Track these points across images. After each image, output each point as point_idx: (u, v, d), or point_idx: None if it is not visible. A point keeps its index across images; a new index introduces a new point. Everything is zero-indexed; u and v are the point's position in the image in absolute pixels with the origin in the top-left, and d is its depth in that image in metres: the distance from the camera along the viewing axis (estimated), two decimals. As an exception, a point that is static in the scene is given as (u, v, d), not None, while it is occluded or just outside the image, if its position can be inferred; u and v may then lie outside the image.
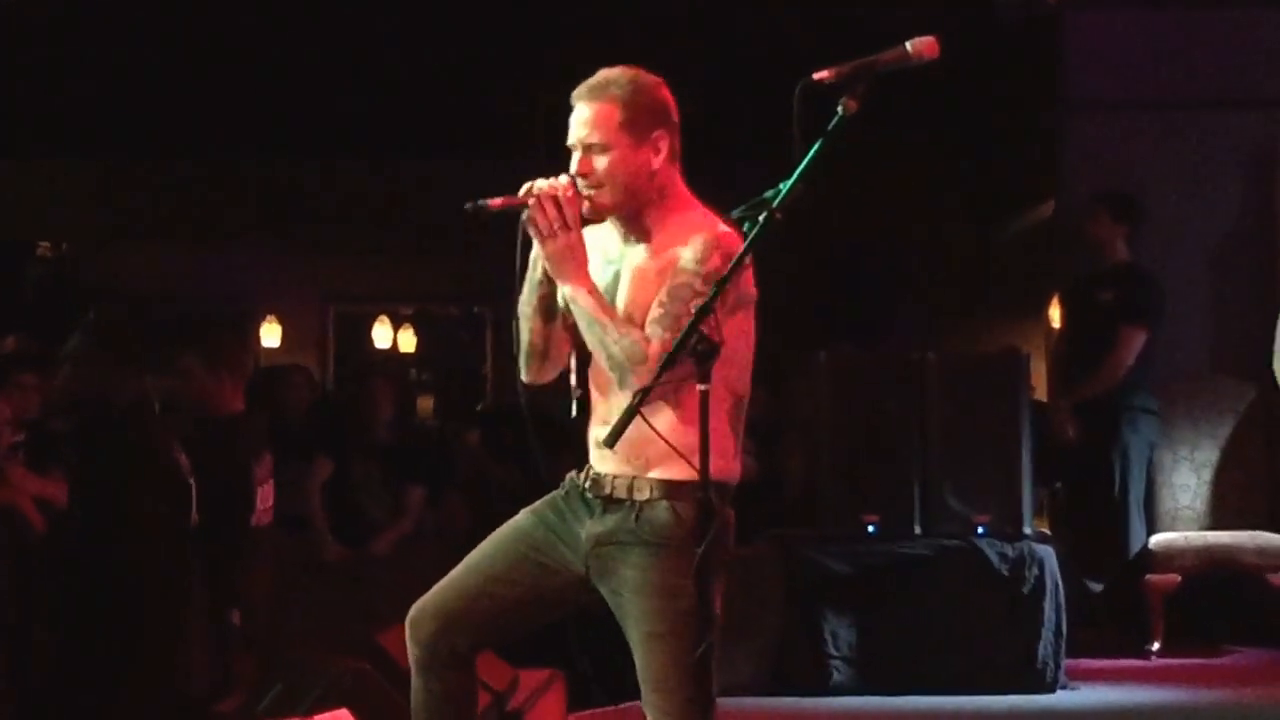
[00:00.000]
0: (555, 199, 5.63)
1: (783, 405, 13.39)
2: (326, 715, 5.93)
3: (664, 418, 5.48)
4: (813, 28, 15.08)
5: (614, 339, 5.59)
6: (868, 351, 12.71)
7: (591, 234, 5.85)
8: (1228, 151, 13.15)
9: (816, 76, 5.24)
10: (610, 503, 5.70)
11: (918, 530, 11.51)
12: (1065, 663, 11.36)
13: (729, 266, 5.35)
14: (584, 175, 5.71)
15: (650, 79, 5.83)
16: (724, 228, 5.58)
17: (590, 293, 5.65)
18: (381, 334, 20.55)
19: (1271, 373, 8.09)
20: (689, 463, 5.46)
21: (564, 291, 5.70)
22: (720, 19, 17.18)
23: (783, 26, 16.16)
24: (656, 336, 5.53)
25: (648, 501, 5.64)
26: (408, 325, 20.67)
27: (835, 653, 11.24)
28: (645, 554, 5.63)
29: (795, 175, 5.23)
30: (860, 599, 11.34)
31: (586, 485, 5.77)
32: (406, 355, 20.36)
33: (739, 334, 5.59)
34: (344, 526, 12.49)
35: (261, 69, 18.10)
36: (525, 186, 5.68)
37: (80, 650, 8.51)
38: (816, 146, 5.20)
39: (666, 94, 5.85)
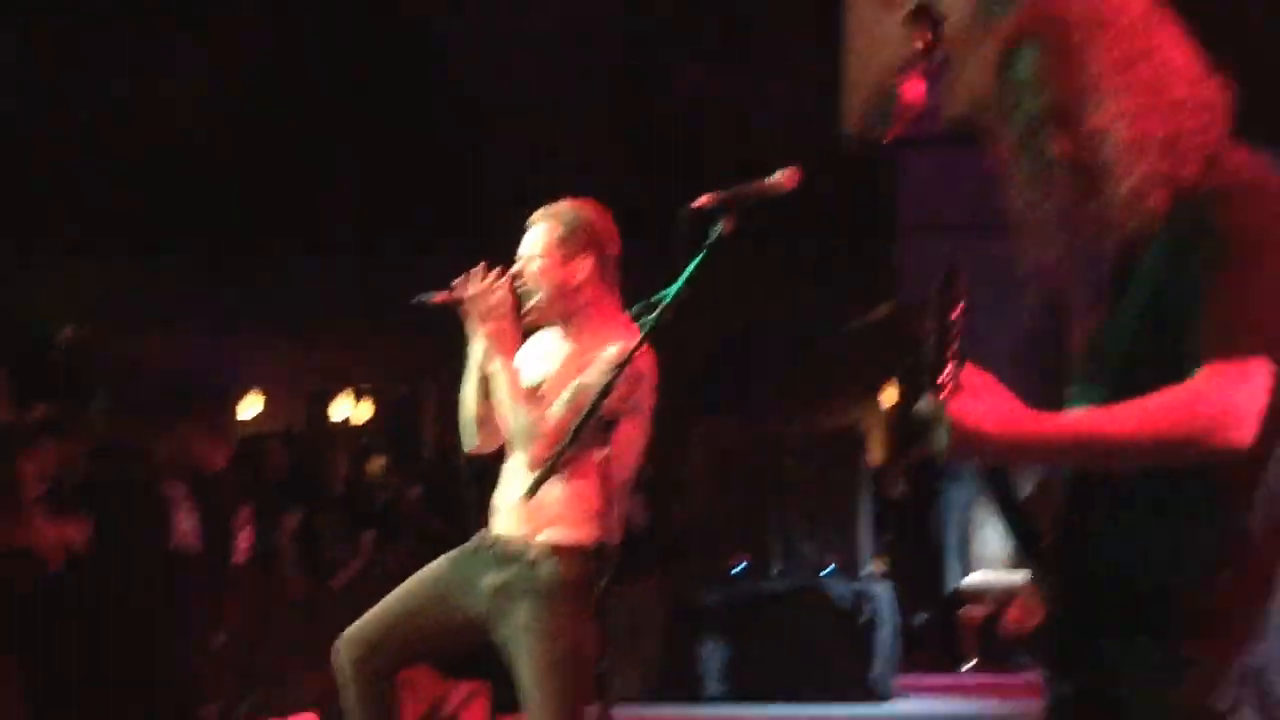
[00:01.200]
0: (486, 292, 5.68)
1: (667, 468, 13.38)
2: (297, 718, 5.90)
3: (558, 489, 5.48)
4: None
5: (520, 412, 5.63)
6: (737, 425, 12.71)
7: (540, 335, 5.92)
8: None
9: (697, 204, 5.26)
10: (508, 559, 5.72)
11: (776, 571, 11.58)
12: (896, 679, 11.42)
13: (626, 362, 5.33)
14: (517, 277, 5.76)
15: (594, 213, 5.87)
16: (635, 341, 5.51)
17: (507, 372, 5.68)
18: (342, 407, 20.55)
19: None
20: (573, 528, 5.59)
21: (489, 369, 5.72)
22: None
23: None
24: (554, 417, 5.56)
25: (537, 560, 5.65)
26: (365, 398, 20.63)
27: (708, 668, 11.29)
28: (534, 603, 5.63)
29: (680, 282, 5.23)
30: (728, 626, 11.40)
31: (491, 543, 5.79)
32: (363, 425, 20.29)
33: (633, 430, 5.60)
34: (309, 564, 12.50)
35: (248, 190, 18.08)
36: (459, 281, 5.73)
37: (95, 661, 8.46)
38: (698, 259, 5.21)
39: (606, 226, 5.87)
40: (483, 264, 5.75)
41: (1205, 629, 3.17)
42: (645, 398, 5.63)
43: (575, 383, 5.63)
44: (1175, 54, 3.29)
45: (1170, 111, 3.24)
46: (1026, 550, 3.30)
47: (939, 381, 3.07)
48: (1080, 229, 3.32)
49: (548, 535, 5.64)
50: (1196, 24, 3.34)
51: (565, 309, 5.80)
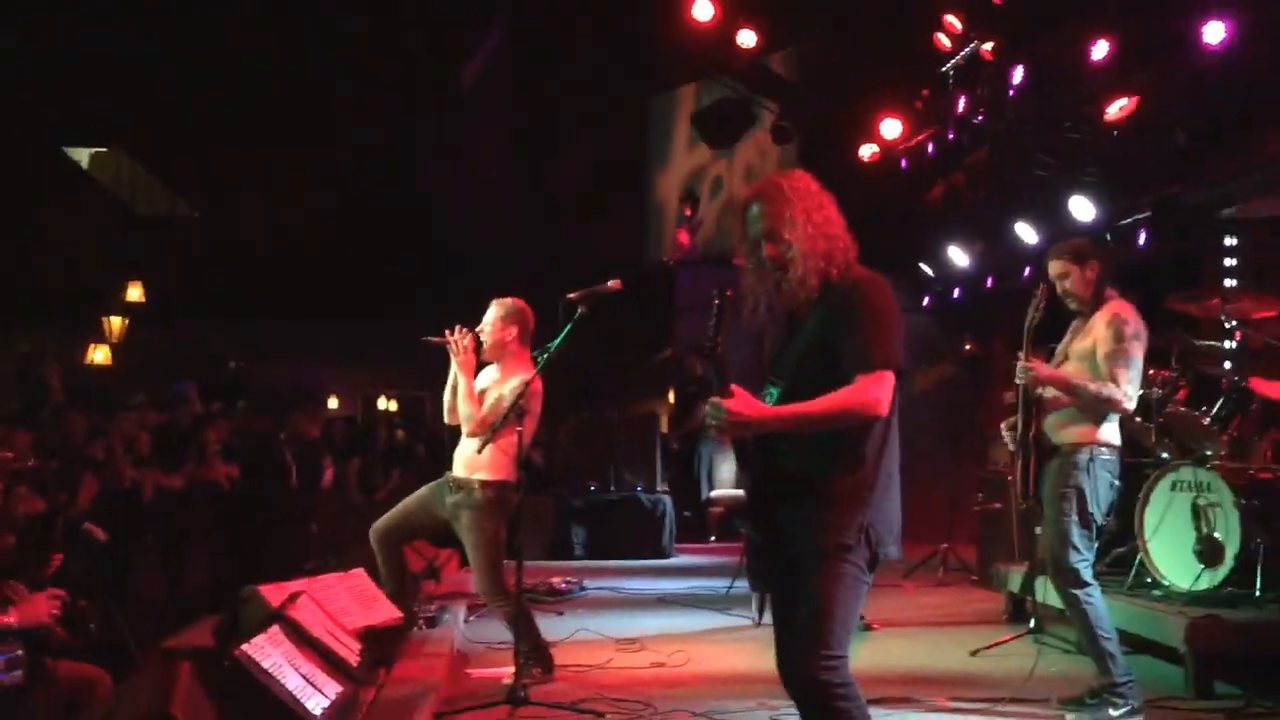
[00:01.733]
0: (461, 341, 5.64)
1: (555, 434, 13.33)
2: (354, 570, 5.78)
3: (487, 450, 5.46)
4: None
5: (467, 407, 5.62)
6: (592, 412, 12.65)
7: (488, 368, 5.89)
8: (744, 330, 13.27)
9: (569, 296, 5.29)
10: (458, 489, 5.68)
11: (612, 489, 11.54)
12: (674, 545, 11.42)
13: (526, 386, 5.41)
14: (481, 332, 5.75)
15: (523, 306, 5.85)
16: (531, 374, 5.51)
17: (467, 384, 5.66)
18: (381, 402, 20.30)
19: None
20: (494, 472, 5.61)
21: (459, 381, 5.69)
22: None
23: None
24: (484, 413, 5.62)
25: (473, 489, 5.64)
26: (393, 399, 20.37)
27: (577, 541, 11.25)
28: (471, 513, 5.64)
29: (558, 340, 5.26)
30: (588, 518, 11.35)
31: (450, 480, 5.75)
32: (393, 412, 20.04)
33: (527, 426, 5.52)
34: (364, 487, 12.35)
35: (323, 278, 17.81)
36: (446, 332, 5.71)
37: (245, 541, 8.29)
38: (569, 327, 5.23)
39: (528, 313, 5.85)
40: (460, 326, 5.75)
41: (838, 501, 3.27)
42: (536, 404, 5.63)
43: (496, 394, 5.64)
44: (831, 210, 3.42)
45: (828, 239, 3.36)
46: (743, 466, 3.38)
47: (722, 391, 3.20)
48: (775, 297, 3.40)
49: (480, 475, 5.64)
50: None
51: (498, 355, 5.81)
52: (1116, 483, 5.24)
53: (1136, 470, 6.76)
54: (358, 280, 18.13)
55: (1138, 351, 5.16)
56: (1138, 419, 6.66)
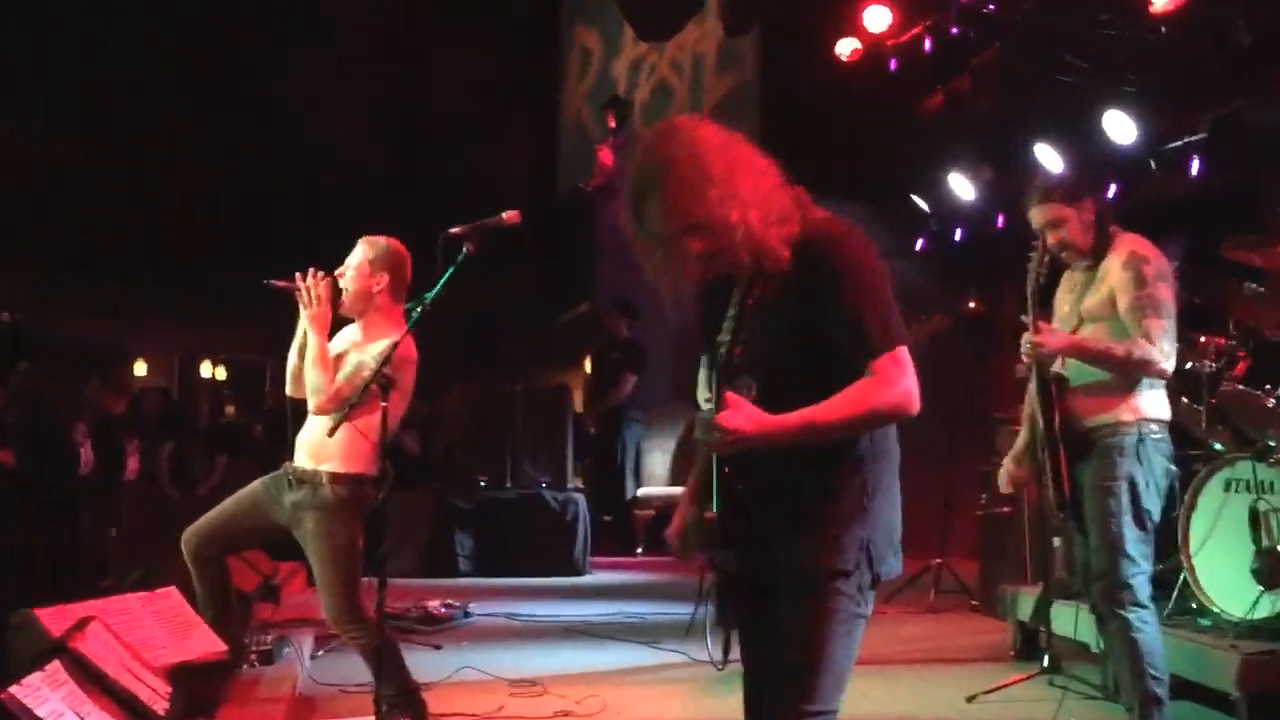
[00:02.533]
0: (315, 288, 5.60)
1: (436, 413, 13.30)
2: (163, 590, 5.73)
3: (339, 434, 5.42)
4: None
5: (317, 373, 5.58)
6: (483, 383, 12.62)
7: (348, 326, 5.85)
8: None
9: (451, 231, 5.25)
10: (301, 484, 5.65)
11: (509, 484, 11.55)
12: (589, 558, 11.46)
13: (395, 349, 5.35)
14: (341, 278, 5.71)
15: (398, 249, 5.81)
16: (402, 335, 5.47)
17: (319, 344, 5.61)
18: (205, 369, 20.17)
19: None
20: (346, 462, 5.57)
21: (309, 339, 5.65)
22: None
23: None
24: (338, 383, 5.55)
25: (320, 484, 5.60)
26: (222, 364, 20.23)
27: (461, 552, 11.26)
28: (316, 515, 5.60)
29: (438, 287, 5.21)
30: (476, 522, 11.34)
31: (290, 472, 5.71)
32: (221, 381, 19.88)
33: (393, 404, 5.37)
34: (180, 479, 12.30)
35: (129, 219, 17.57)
36: (297, 275, 5.65)
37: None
38: (451, 270, 5.19)
39: (403, 260, 5.80)
40: (313, 268, 5.69)
41: (835, 513, 3.29)
42: (407, 378, 5.60)
43: (356, 360, 5.61)
44: (756, 159, 3.35)
45: (771, 195, 3.31)
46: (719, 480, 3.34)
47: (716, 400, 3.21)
48: (700, 281, 3.37)
49: (330, 466, 5.61)
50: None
51: (362, 309, 5.77)
52: (1172, 467, 5.32)
53: (1181, 465, 6.88)
54: (177, 214, 17.86)
55: (1167, 294, 5.21)
56: (1184, 399, 6.77)
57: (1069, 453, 5.28)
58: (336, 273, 5.76)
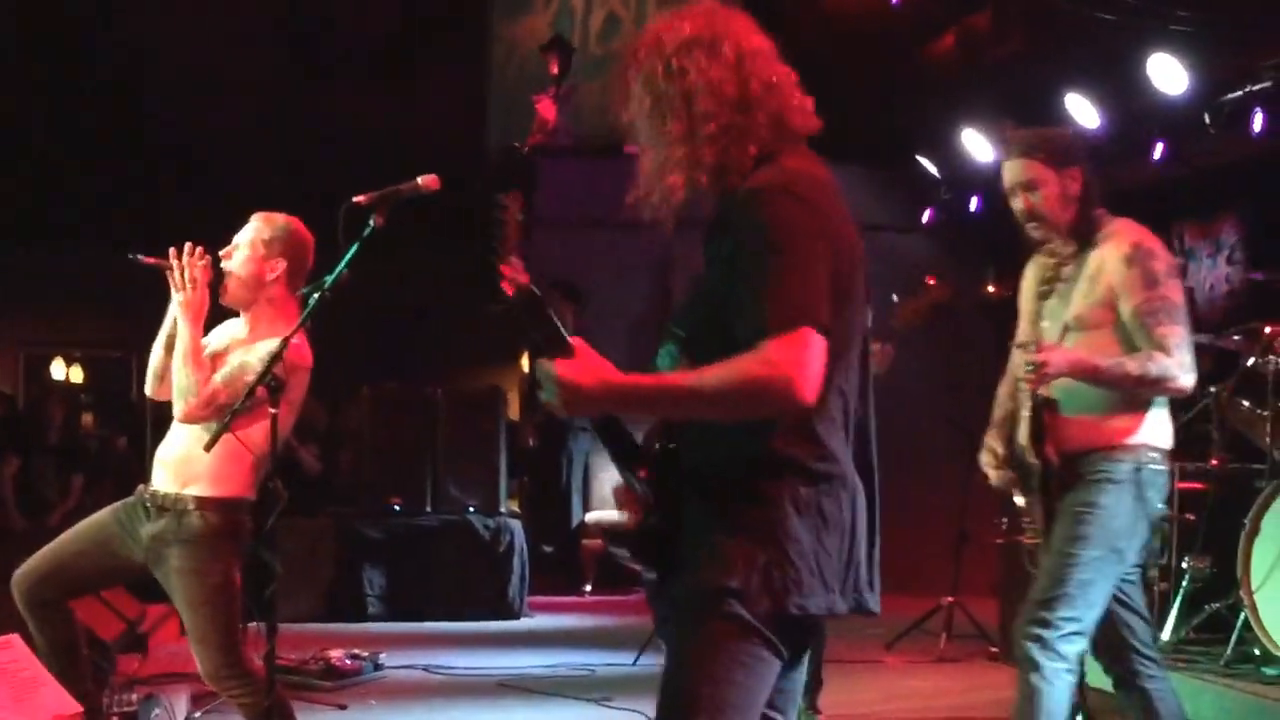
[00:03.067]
0: (191, 267, 5.57)
1: (339, 421, 13.27)
2: (1, 639, 5.69)
3: (218, 448, 5.37)
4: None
5: (186, 372, 5.53)
6: (398, 386, 12.60)
7: (231, 320, 5.84)
8: (639, 257, 13.34)
9: (355, 200, 5.23)
10: (161, 512, 5.61)
11: (429, 509, 11.53)
12: (527, 598, 11.45)
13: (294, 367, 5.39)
14: (226, 259, 5.69)
15: (300, 230, 5.81)
16: (295, 329, 5.45)
17: (192, 336, 5.58)
18: (57, 369, 20.05)
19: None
20: (218, 484, 5.56)
21: (180, 330, 5.61)
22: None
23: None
24: (214, 385, 5.50)
25: (184, 511, 5.57)
26: (78, 364, 20.13)
27: (371, 592, 11.24)
28: (182, 549, 5.57)
29: (340, 266, 5.19)
30: (388, 555, 11.31)
31: (148, 497, 5.67)
32: (77, 384, 19.78)
33: (281, 416, 5.36)
34: (27, 504, 12.25)
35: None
36: (170, 252, 5.59)
37: None
38: (355, 247, 5.17)
39: (305, 243, 5.80)
40: (190, 244, 5.65)
41: (735, 520, 3.27)
42: (298, 387, 5.58)
43: (239, 360, 5.58)
44: (718, 68, 3.38)
45: (707, 121, 3.37)
46: (631, 481, 3.42)
47: (554, 347, 3.32)
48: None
49: (195, 489, 5.58)
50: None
51: (251, 298, 5.75)
52: (1162, 506, 5.29)
53: (1241, 482, 6.93)
54: (17, 182, 17.74)
55: (1180, 296, 5.15)
56: (1244, 402, 6.81)
57: (1059, 487, 5.25)
58: (222, 253, 5.73)
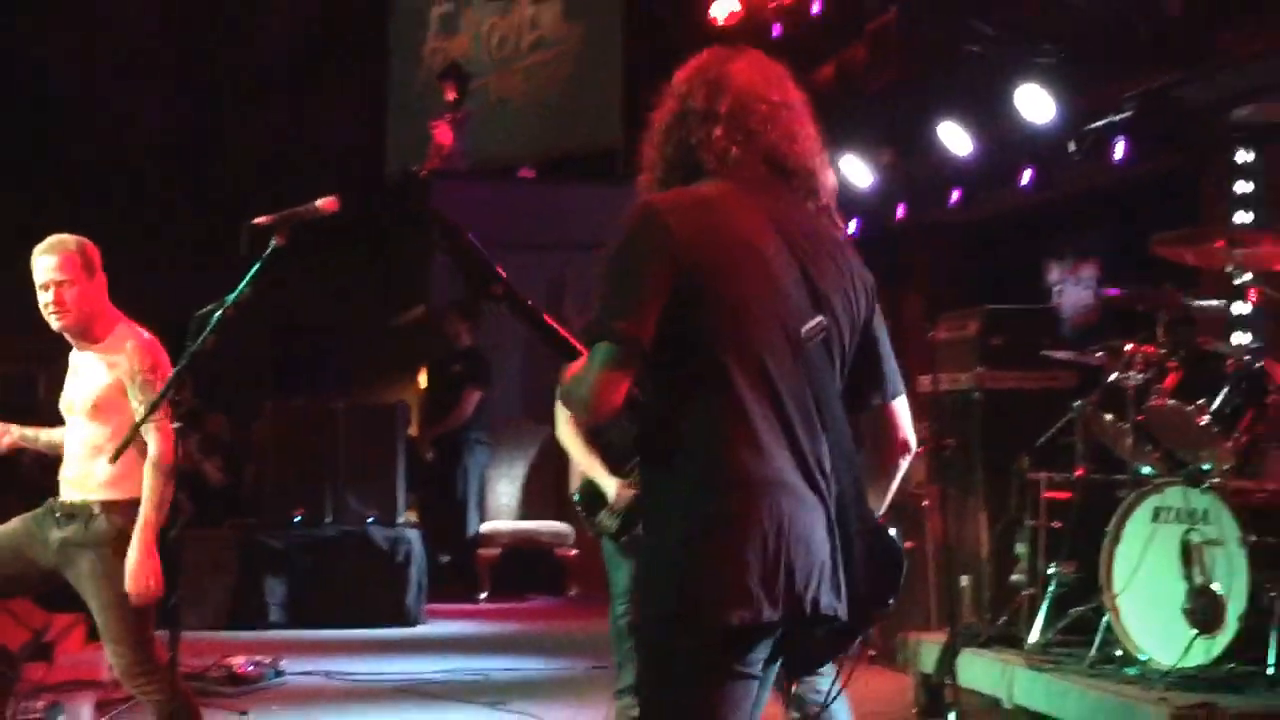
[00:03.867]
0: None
1: (243, 436, 13.17)
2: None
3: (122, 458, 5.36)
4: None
5: (156, 508, 5.50)
6: (300, 401, 12.52)
7: (74, 355, 5.80)
8: (533, 276, 13.35)
9: (256, 221, 5.21)
10: (70, 518, 5.58)
11: (329, 520, 11.45)
12: (424, 606, 11.41)
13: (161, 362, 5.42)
14: (59, 303, 5.61)
15: (85, 239, 5.72)
16: (144, 335, 5.58)
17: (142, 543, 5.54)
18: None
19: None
20: (120, 487, 5.52)
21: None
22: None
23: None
24: (162, 448, 5.47)
25: (92, 516, 5.55)
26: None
27: (272, 600, 11.14)
28: (93, 553, 5.54)
29: (242, 285, 5.16)
30: (289, 565, 11.23)
31: (56, 506, 5.64)
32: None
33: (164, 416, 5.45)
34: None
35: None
36: None
37: None
38: (257, 266, 5.15)
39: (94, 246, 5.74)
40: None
41: (649, 549, 3.32)
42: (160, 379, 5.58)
43: (137, 384, 5.55)
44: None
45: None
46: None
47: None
48: None
49: (99, 495, 5.55)
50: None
51: (86, 321, 5.68)
52: None
53: (1104, 492, 7.02)
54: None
55: None
56: (1106, 416, 6.91)
57: None
58: (48, 301, 5.65)
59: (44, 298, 5.62)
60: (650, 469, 3.31)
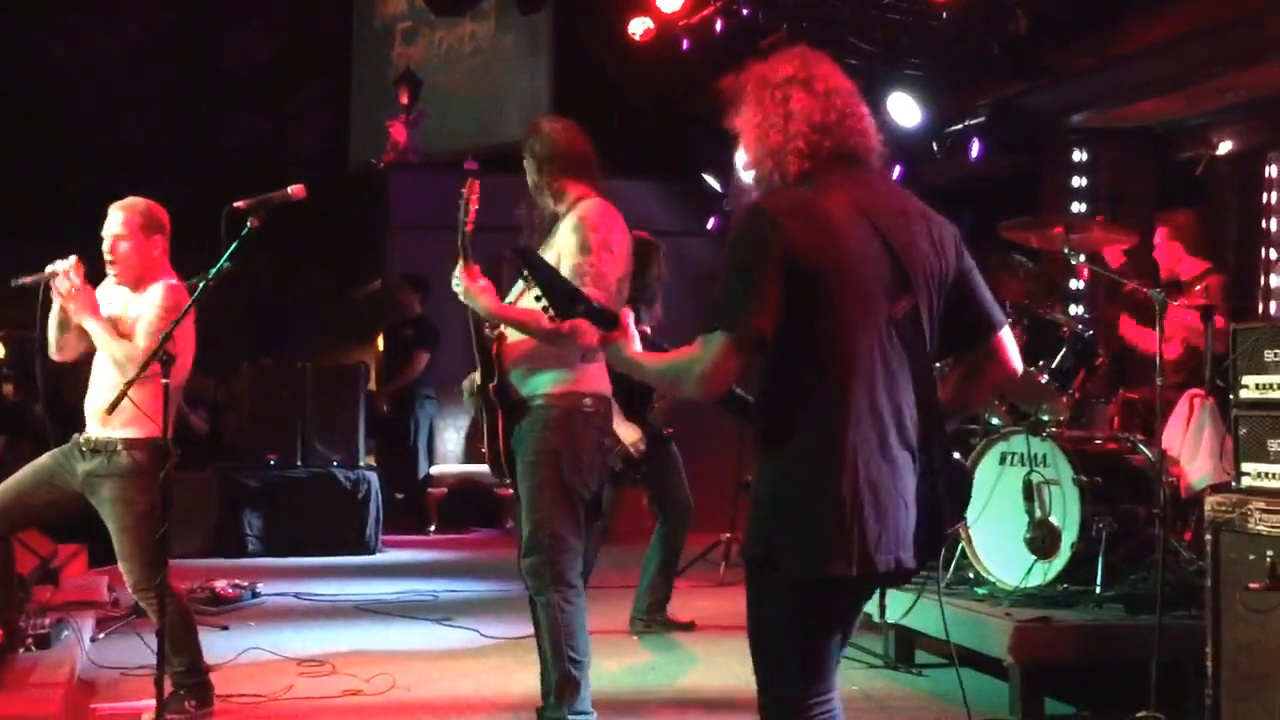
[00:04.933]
0: (71, 275, 5.46)
1: (224, 391, 13.08)
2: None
3: (137, 400, 5.31)
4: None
5: (117, 348, 5.46)
6: (275, 362, 12.43)
7: (106, 285, 5.72)
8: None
9: (236, 205, 5.20)
10: (94, 452, 5.56)
11: (299, 463, 11.38)
12: (381, 537, 11.37)
13: (181, 307, 5.34)
14: (113, 254, 5.64)
15: (159, 206, 5.72)
16: (175, 283, 5.54)
17: (99, 324, 5.49)
18: (-20, 346, 19.46)
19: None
20: (140, 426, 5.49)
21: (84, 323, 5.52)
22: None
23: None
24: (141, 347, 5.42)
25: (116, 451, 5.52)
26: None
27: (250, 533, 11.07)
28: (114, 483, 5.54)
29: (222, 260, 5.15)
30: (265, 502, 11.16)
31: (83, 441, 5.62)
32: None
33: (182, 356, 5.48)
34: (-47, 460, 11.95)
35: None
36: (49, 268, 5.50)
37: None
38: (236, 244, 5.13)
39: (165, 215, 5.72)
40: (74, 257, 5.55)
41: (753, 501, 3.26)
42: (186, 348, 5.55)
43: (144, 320, 5.52)
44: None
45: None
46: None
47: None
48: None
49: (124, 432, 5.51)
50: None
51: (136, 275, 5.66)
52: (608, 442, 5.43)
53: (959, 439, 7.10)
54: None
55: (610, 270, 5.17)
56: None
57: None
58: (106, 248, 5.64)
59: (104, 246, 5.66)
60: (759, 440, 3.24)
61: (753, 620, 3.25)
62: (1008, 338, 3.41)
